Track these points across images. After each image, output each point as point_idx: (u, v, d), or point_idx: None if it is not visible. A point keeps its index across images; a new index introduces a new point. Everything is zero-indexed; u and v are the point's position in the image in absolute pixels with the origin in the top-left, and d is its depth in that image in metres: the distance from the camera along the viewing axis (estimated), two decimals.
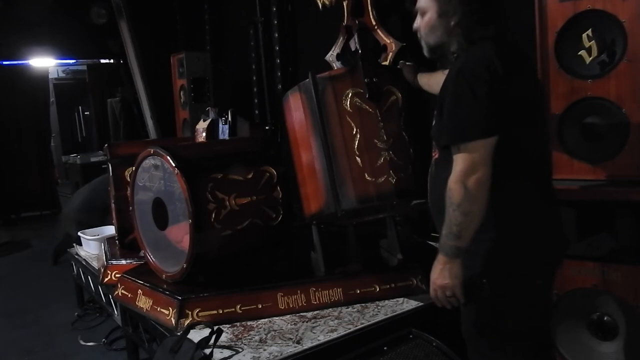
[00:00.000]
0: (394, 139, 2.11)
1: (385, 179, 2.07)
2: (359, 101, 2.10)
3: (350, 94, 2.11)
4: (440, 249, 1.60)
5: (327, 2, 3.42)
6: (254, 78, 4.86)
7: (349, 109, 2.10)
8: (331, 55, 3.56)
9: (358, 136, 2.08)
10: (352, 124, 2.09)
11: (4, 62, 6.81)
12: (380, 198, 2.10)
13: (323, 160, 2.11)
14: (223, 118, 3.11)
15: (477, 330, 1.69)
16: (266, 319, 2.21)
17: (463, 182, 1.48)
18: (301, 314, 2.24)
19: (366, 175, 2.07)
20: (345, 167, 2.08)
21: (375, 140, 2.09)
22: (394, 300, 2.32)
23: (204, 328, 2.07)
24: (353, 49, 2.37)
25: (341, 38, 3.47)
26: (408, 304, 2.28)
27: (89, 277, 3.44)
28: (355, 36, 2.31)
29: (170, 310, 2.22)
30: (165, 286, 2.38)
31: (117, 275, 2.86)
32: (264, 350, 1.94)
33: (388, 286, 2.36)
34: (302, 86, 2.18)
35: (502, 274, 1.58)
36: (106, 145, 3.33)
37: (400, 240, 2.49)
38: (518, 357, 1.66)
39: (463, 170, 1.48)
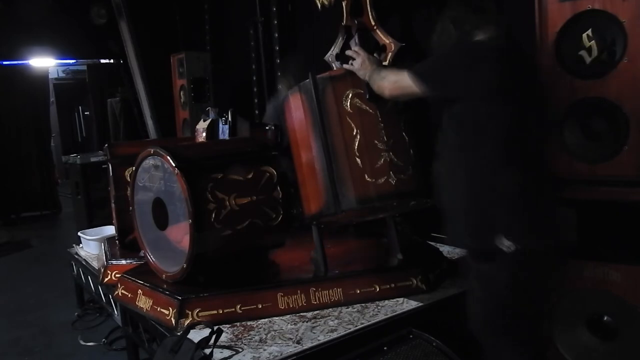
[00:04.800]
0: (394, 140, 2.11)
1: (385, 180, 2.07)
2: (359, 102, 2.10)
3: (350, 95, 2.11)
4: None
5: (326, 2, 3.41)
6: (254, 78, 4.86)
7: (349, 109, 2.10)
8: (331, 55, 3.56)
9: (358, 137, 2.08)
10: (352, 125, 2.09)
11: (4, 62, 6.80)
12: (380, 199, 2.10)
13: (323, 161, 2.11)
14: (223, 118, 3.11)
15: (487, 322, 1.75)
16: (266, 319, 2.21)
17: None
18: (301, 314, 2.24)
19: (366, 176, 2.07)
20: (345, 168, 2.08)
21: (376, 141, 2.09)
22: (394, 300, 2.32)
23: (204, 328, 2.07)
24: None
25: (340, 38, 3.47)
26: (408, 304, 2.29)
27: (89, 277, 3.44)
28: (355, 37, 2.31)
29: (170, 310, 2.22)
30: (165, 286, 2.37)
31: (117, 275, 2.86)
32: (264, 350, 1.94)
33: (388, 286, 2.36)
34: (302, 86, 2.18)
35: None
36: (106, 145, 3.33)
37: (401, 240, 2.49)
38: (523, 347, 1.74)
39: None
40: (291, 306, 2.26)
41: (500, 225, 1.63)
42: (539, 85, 1.81)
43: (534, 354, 1.78)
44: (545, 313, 1.83)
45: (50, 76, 8.86)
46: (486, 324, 1.77)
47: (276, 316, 2.23)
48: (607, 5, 1.91)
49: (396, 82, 1.83)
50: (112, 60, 6.60)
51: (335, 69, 3.50)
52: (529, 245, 1.62)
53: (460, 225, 1.75)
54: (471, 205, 1.71)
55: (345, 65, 2.12)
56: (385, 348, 1.92)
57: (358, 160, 2.07)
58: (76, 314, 3.74)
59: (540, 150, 1.77)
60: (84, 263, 3.55)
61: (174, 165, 2.27)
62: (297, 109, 2.22)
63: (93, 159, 5.17)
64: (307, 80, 2.14)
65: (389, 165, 2.08)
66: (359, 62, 2.04)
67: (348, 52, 2.14)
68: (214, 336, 1.97)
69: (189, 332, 2.04)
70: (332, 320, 2.17)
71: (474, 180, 1.70)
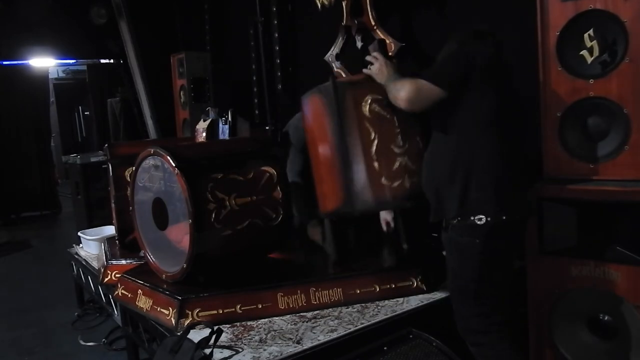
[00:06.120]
0: (409, 145, 2.16)
1: (400, 183, 2.12)
2: (378, 107, 2.14)
3: (369, 100, 2.14)
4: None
5: (326, 2, 3.42)
6: (254, 78, 4.85)
7: (367, 114, 2.13)
8: (331, 55, 3.56)
9: (376, 141, 2.12)
10: (371, 129, 2.13)
11: (4, 62, 6.79)
12: (395, 201, 2.14)
13: (341, 163, 2.13)
14: (223, 118, 3.11)
15: (459, 289, 1.92)
16: (266, 319, 2.21)
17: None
18: (301, 314, 2.24)
19: (382, 179, 2.11)
20: (363, 171, 2.11)
21: (392, 146, 2.13)
22: (394, 300, 2.32)
23: (204, 328, 2.07)
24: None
25: (340, 38, 3.47)
26: (408, 304, 2.29)
27: (89, 277, 3.44)
28: (375, 42, 2.35)
29: (170, 310, 2.22)
30: (165, 286, 2.37)
31: (117, 275, 2.86)
32: (264, 350, 1.94)
33: (388, 286, 2.36)
34: (323, 89, 2.20)
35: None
36: (106, 145, 3.34)
37: (406, 230, 2.51)
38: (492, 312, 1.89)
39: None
40: (291, 306, 2.26)
41: (474, 200, 1.83)
42: (519, 99, 1.99)
43: (501, 319, 1.89)
44: (510, 280, 1.97)
45: (50, 76, 8.86)
46: (458, 291, 1.94)
47: (276, 316, 2.23)
48: (609, 5, 1.91)
49: (414, 89, 1.89)
50: (112, 60, 6.60)
51: (335, 69, 3.51)
52: (500, 218, 1.81)
53: (437, 199, 1.93)
54: (448, 180, 1.88)
55: (364, 70, 2.16)
56: (385, 348, 1.91)
57: (375, 163, 2.11)
58: (76, 314, 3.74)
59: (518, 137, 1.94)
60: (84, 263, 3.55)
61: (174, 165, 2.27)
62: (315, 111, 2.23)
63: (93, 159, 5.17)
64: (327, 83, 2.17)
65: (404, 169, 2.13)
66: (376, 67, 2.10)
67: (367, 58, 2.20)
68: (214, 336, 1.97)
69: (189, 332, 2.03)
70: (332, 320, 2.17)
71: (451, 157, 1.88)
